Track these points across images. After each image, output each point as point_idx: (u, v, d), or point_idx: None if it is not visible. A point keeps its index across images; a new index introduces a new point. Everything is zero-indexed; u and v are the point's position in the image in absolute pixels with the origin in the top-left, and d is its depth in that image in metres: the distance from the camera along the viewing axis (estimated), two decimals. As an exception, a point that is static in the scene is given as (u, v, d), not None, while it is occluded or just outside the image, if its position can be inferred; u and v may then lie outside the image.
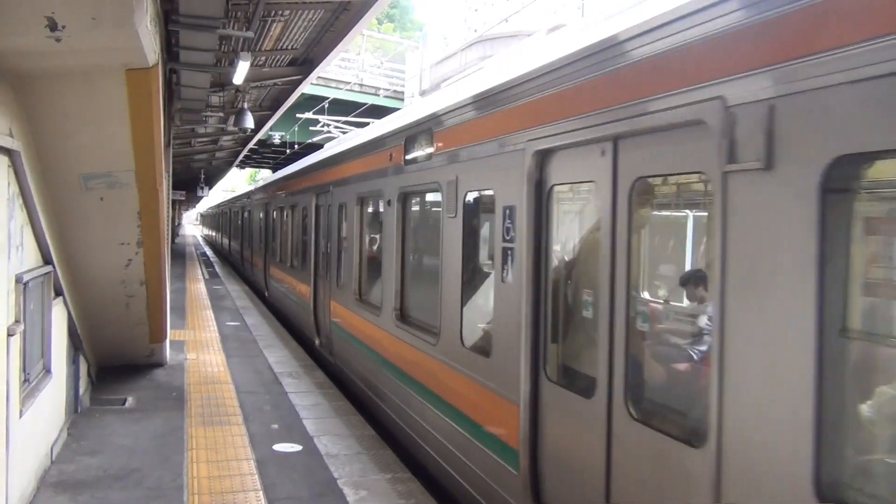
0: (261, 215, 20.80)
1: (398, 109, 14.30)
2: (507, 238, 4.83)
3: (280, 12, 9.30)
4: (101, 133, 6.72)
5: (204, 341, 12.73)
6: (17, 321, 5.37)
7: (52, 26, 4.89)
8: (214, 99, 14.51)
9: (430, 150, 6.40)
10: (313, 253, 12.12)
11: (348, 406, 8.70)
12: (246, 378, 10.00)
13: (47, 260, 6.54)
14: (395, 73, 32.86)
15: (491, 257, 5.44)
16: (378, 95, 29.33)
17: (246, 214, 26.12)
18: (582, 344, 4.35)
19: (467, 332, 5.71)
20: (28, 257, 5.95)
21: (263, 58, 11.96)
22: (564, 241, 4.72)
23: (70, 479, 6.12)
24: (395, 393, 7.42)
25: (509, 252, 4.80)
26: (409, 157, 7.08)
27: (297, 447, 7.10)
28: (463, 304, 5.73)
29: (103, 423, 7.73)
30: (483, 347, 5.42)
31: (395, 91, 30.21)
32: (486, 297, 5.52)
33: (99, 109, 6.47)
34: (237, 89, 13.43)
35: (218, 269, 30.38)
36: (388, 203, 7.69)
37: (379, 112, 22.18)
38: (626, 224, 3.73)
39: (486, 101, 5.35)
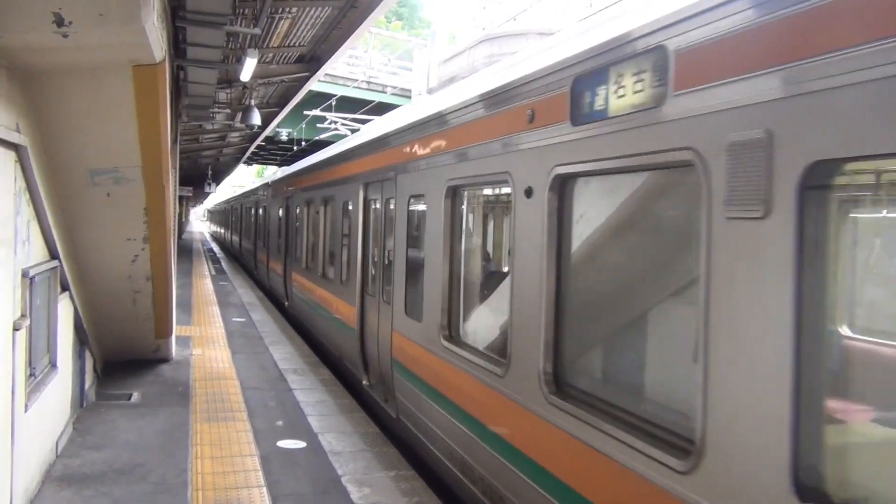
0: (280, 212, 17.80)
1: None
2: None
3: (287, 9, 9.31)
4: (108, 129, 6.74)
5: (210, 337, 12.76)
6: (23, 316, 5.40)
7: (60, 22, 4.90)
8: (222, 95, 14.54)
9: (657, 88, 3.48)
10: (359, 263, 9.28)
11: (353, 403, 8.71)
12: (251, 374, 10.02)
13: (54, 255, 6.56)
14: (402, 71, 32.88)
15: None
16: (385, 93, 29.38)
17: (261, 211, 23.16)
18: None
19: (812, 467, 2.71)
20: (35, 252, 5.97)
21: (271, 55, 11.97)
22: None
23: (75, 474, 6.14)
24: None
25: None
26: (586, 110, 4.09)
27: (301, 444, 7.11)
28: (804, 401, 2.70)
29: (109, 417, 7.76)
30: None
31: (401, 89, 30.24)
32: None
33: (106, 105, 6.48)
34: (244, 86, 13.45)
35: (224, 265, 30.46)
36: (527, 193, 4.70)
37: (386, 110, 22.20)
38: None
39: None
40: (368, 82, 29.66)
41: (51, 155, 6.44)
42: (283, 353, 11.70)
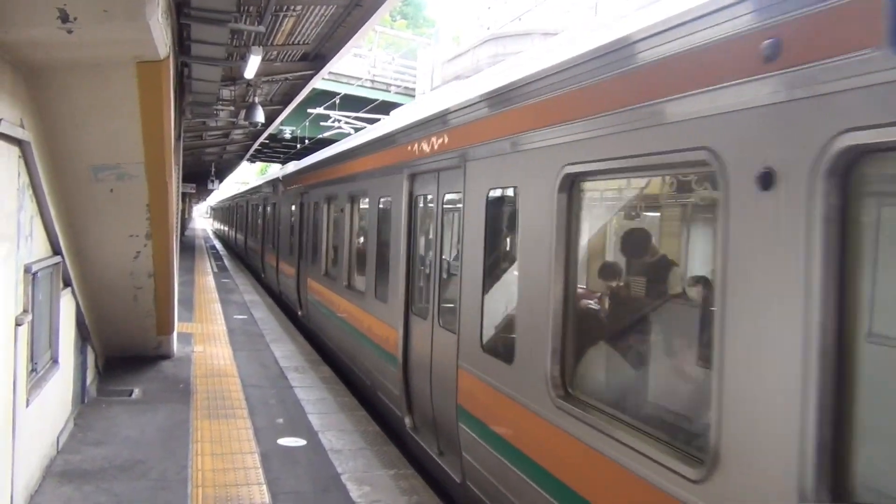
0: (294, 209, 16.03)
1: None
2: None
3: (292, 7, 9.30)
4: (112, 125, 6.75)
5: (211, 334, 12.77)
6: (25, 311, 5.41)
7: (64, 18, 4.91)
8: (225, 93, 14.55)
9: None
10: (403, 275, 7.33)
11: (353, 402, 8.71)
12: (252, 372, 10.03)
13: (56, 250, 6.57)
14: (406, 70, 32.89)
15: None
16: (389, 91, 29.37)
17: (269, 208, 21.29)
18: None
19: None
20: (37, 248, 5.98)
21: (275, 52, 11.97)
22: None
23: (75, 470, 6.15)
24: None
25: None
26: None
27: (301, 441, 7.11)
28: None
29: (110, 414, 7.77)
30: None
31: (405, 88, 30.23)
32: None
33: (109, 101, 6.50)
34: (248, 83, 13.46)
35: (227, 262, 30.50)
36: (762, 182, 2.79)
37: (390, 108, 22.19)
38: None
39: None
40: (372, 81, 29.66)
41: (54, 151, 6.45)
42: (285, 350, 11.71)
